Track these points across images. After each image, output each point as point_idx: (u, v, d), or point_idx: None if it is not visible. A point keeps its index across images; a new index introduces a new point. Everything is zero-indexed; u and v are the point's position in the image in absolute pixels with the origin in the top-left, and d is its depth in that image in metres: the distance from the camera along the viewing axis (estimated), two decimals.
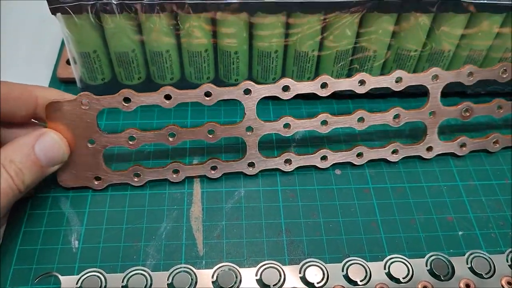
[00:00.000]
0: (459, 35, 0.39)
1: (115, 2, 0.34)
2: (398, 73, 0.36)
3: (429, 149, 0.39)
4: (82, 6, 0.34)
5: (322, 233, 0.35)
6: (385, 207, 0.36)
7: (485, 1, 0.35)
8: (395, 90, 0.36)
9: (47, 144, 0.32)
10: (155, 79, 0.41)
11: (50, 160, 0.32)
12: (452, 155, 0.40)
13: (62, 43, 0.48)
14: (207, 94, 0.34)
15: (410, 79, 0.36)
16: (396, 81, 0.36)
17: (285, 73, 0.41)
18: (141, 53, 0.39)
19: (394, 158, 0.39)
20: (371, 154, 0.38)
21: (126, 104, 0.34)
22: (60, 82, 0.44)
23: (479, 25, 0.38)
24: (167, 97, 0.34)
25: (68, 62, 0.44)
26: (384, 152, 0.39)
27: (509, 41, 0.39)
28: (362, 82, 0.36)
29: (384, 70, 0.41)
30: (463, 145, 0.40)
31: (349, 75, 0.42)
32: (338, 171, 0.39)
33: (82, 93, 0.34)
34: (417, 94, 0.43)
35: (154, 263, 0.33)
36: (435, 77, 0.36)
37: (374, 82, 0.36)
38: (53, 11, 0.34)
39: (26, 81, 0.45)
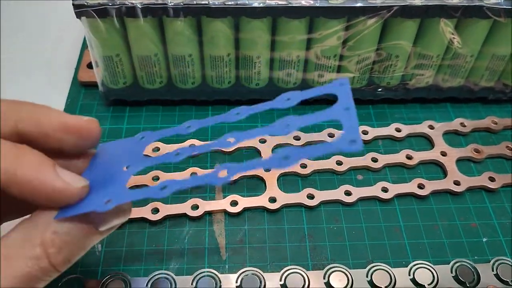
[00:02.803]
0: (481, 41, 0.38)
1: (139, 6, 0.34)
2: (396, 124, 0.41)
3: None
4: (107, 9, 0.34)
5: (345, 239, 0.35)
6: (408, 213, 0.36)
7: (508, 7, 0.35)
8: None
9: None
10: (177, 83, 0.41)
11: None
12: (471, 160, 0.40)
13: (83, 47, 0.48)
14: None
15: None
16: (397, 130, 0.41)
17: (306, 79, 0.41)
18: (163, 57, 0.39)
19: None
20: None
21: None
22: (81, 85, 0.44)
23: (501, 31, 0.38)
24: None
25: (89, 66, 0.45)
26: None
27: None
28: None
29: (405, 77, 0.41)
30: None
31: (370, 81, 0.41)
32: (359, 176, 0.38)
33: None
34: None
35: (177, 267, 0.33)
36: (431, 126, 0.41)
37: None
38: (78, 15, 0.34)
39: (47, 85, 0.45)
